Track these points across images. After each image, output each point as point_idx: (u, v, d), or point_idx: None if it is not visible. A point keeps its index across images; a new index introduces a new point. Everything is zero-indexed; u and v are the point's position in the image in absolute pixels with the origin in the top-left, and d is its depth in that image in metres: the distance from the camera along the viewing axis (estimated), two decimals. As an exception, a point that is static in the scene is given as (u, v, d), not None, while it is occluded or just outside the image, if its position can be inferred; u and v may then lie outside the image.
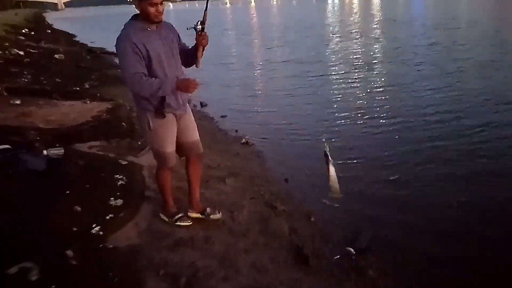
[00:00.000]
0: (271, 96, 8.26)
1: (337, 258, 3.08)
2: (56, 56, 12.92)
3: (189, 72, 3.06)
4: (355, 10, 36.75)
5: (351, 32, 18.08)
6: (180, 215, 3.38)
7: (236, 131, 6.17)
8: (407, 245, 3.30)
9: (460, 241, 3.29)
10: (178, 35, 2.98)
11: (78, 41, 22.81)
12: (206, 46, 2.93)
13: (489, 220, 3.54)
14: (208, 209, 3.43)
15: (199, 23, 2.84)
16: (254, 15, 43.48)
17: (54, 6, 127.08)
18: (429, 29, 16.27)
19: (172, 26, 2.98)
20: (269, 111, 7.38)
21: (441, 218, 3.64)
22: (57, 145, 4.60)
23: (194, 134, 3.22)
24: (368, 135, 5.77)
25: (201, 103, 7.89)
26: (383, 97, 7.53)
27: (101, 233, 3.19)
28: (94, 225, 3.23)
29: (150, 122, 2.95)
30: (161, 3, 2.73)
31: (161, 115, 2.91)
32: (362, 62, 10.98)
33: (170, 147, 3.09)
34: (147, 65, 2.76)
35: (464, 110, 6.44)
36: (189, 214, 3.43)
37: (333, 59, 11.83)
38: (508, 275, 2.97)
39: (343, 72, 10.01)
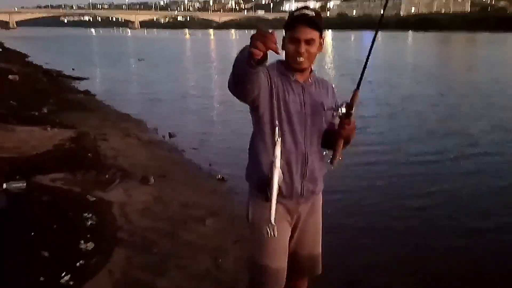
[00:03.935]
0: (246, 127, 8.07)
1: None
2: (10, 77, 12.10)
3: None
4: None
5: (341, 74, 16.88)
6: None
7: (210, 164, 5.87)
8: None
9: None
10: (337, 105, 1.94)
11: (32, 61, 21.76)
12: (350, 139, 1.92)
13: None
14: None
15: (344, 104, 1.87)
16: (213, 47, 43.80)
17: (5, 25, 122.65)
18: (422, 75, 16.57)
19: (333, 89, 2.06)
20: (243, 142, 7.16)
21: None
22: (18, 177, 4.16)
23: (315, 245, 2.07)
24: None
25: (169, 134, 7.58)
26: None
27: (71, 283, 2.81)
28: (63, 274, 2.85)
29: (250, 208, 1.99)
30: (309, 42, 1.83)
31: (263, 197, 1.80)
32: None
33: (274, 260, 1.92)
34: (271, 116, 1.89)
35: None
36: None
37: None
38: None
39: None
